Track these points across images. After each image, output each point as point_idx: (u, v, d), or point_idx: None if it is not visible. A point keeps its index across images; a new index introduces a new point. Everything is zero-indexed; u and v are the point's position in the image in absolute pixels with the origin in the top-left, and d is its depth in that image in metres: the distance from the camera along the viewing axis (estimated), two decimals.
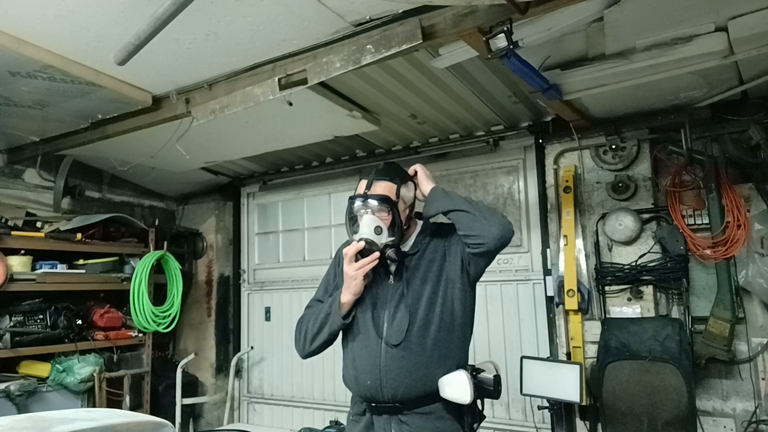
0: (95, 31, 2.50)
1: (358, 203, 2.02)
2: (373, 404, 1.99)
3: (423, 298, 1.98)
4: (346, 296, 2.00)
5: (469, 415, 1.98)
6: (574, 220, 3.60)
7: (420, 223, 2.15)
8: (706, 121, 3.31)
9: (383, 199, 1.99)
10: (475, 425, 2.00)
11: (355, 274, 1.96)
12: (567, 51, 2.82)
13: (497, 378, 1.98)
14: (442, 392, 1.93)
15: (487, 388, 1.96)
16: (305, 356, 2.16)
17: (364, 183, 2.05)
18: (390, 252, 2.00)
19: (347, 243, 2.07)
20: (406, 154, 4.43)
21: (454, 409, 1.96)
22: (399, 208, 2.02)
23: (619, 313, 3.46)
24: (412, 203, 2.11)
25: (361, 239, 1.96)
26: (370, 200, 1.99)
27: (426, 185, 2.06)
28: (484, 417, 2.08)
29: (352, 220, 2.06)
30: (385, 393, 1.94)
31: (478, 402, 2.04)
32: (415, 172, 2.11)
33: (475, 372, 1.96)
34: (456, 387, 1.92)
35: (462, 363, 2.00)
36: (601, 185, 3.64)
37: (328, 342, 2.10)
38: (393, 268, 2.06)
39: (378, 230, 1.96)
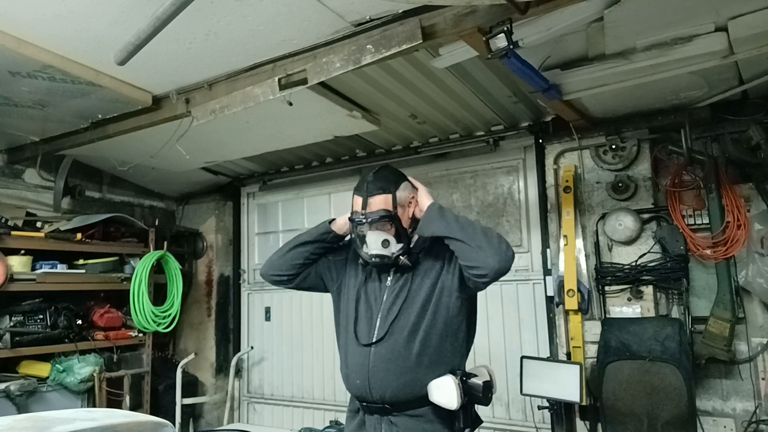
0: (95, 31, 2.50)
1: (359, 224, 2.04)
2: (364, 403, 2.01)
3: (416, 303, 1.99)
4: (342, 218, 2.19)
5: (461, 419, 1.96)
6: (574, 220, 3.60)
7: None
8: (706, 121, 3.31)
9: (381, 216, 2.00)
10: (467, 430, 1.98)
11: None
12: (567, 51, 2.82)
13: (487, 384, 1.95)
14: (431, 397, 1.93)
15: (476, 394, 1.94)
16: (269, 269, 2.22)
17: (359, 201, 2.04)
18: (403, 259, 2.01)
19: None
20: (406, 154, 4.43)
21: (445, 412, 1.95)
22: (399, 214, 2.03)
23: (619, 313, 3.46)
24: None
25: (372, 255, 2.01)
26: (369, 219, 2.00)
27: (424, 201, 2.04)
28: (481, 421, 2.06)
29: (360, 238, 2.07)
30: (373, 393, 1.95)
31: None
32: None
33: (465, 377, 1.94)
34: (443, 392, 1.91)
35: (455, 369, 1.97)
36: (601, 185, 3.64)
37: (301, 256, 2.16)
38: (391, 270, 2.07)
39: (385, 243, 2.00)
